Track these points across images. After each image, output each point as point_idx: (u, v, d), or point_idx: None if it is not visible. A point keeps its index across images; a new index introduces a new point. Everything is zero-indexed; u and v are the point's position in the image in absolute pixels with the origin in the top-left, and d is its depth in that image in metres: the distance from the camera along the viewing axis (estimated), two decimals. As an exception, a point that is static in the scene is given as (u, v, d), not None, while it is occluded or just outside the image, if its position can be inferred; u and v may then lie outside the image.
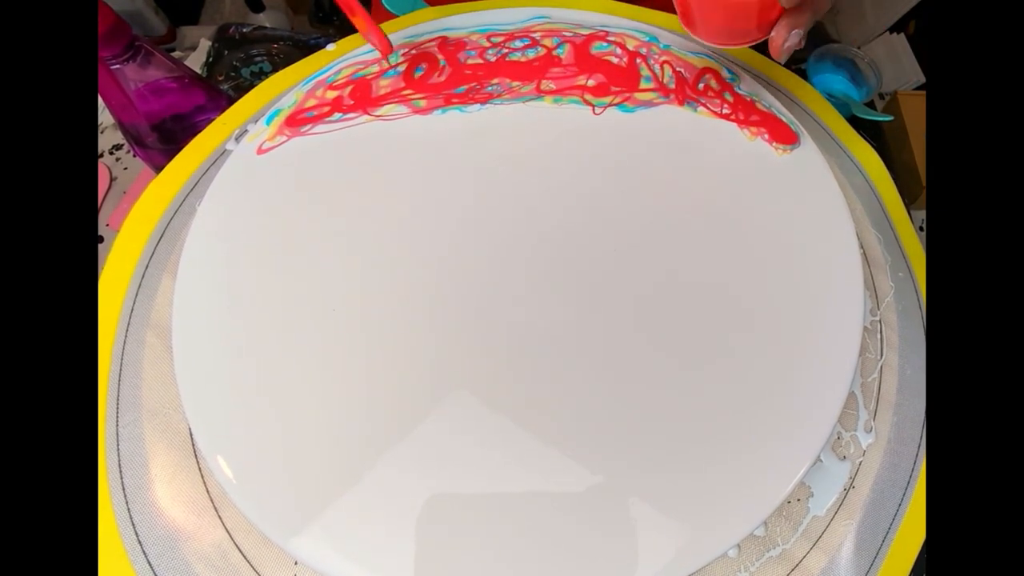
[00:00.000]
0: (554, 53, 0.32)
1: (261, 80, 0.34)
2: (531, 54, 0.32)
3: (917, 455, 0.28)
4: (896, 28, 0.57)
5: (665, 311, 0.26)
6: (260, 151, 0.29)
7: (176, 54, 0.53)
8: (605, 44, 0.33)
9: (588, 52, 0.32)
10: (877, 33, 0.58)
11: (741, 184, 0.29)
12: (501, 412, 0.24)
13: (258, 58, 0.51)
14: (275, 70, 0.37)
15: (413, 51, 0.32)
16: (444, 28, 0.33)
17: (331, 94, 0.31)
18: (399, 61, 0.32)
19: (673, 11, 0.27)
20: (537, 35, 0.33)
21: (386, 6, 0.37)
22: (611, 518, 0.22)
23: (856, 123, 0.38)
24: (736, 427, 0.24)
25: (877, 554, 0.26)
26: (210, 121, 0.32)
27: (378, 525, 0.22)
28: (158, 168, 0.32)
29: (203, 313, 0.25)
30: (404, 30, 0.34)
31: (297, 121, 0.30)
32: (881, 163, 0.35)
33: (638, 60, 0.32)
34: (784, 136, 0.30)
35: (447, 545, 0.22)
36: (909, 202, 0.44)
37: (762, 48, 0.26)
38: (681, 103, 0.31)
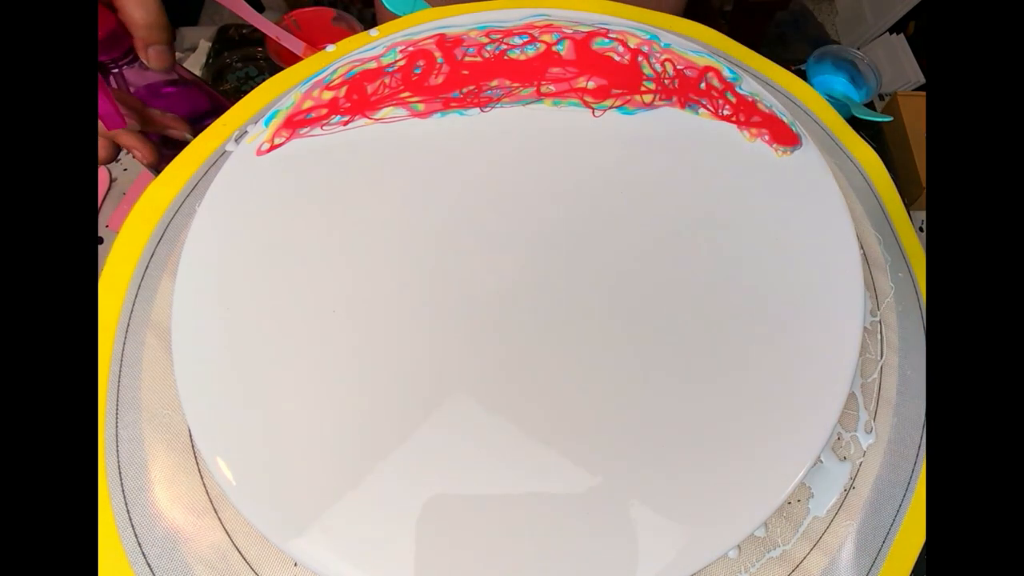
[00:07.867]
0: (554, 49, 0.32)
1: (261, 81, 0.34)
2: (530, 51, 0.32)
3: (917, 456, 0.28)
4: (896, 29, 0.57)
5: (665, 312, 0.26)
6: (259, 152, 0.29)
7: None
8: (607, 40, 0.33)
9: (589, 48, 0.32)
10: (877, 34, 0.58)
11: (741, 185, 0.29)
12: (500, 414, 0.24)
13: (258, 59, 0.51)
14: (275, 71, 0.37)
15: (411, 48, 0.32)
16: (443, 27, 0.33)
17: (327, 95, 0.31)
18: (396, 58, 0.32)
19: (673, 11, 0.27)
20: (536, 31, 0.33)
21: (387, 7, 0.37)
22: (611, 520, 0.22)
23: (856, 124, 0.38)
24: (736, 428, 0.24)
25: (877, 555, 0.26)
26: (210, 123, 0.32)
27: (378, 526, 0.22)
28: (157, 170, 0.32)
29: (203, 314, 0.25)
30: (404, 30, 0.34)
31: (295, 123, 0.30)
32: (881, 163, 0.35)
33: (640, 57, 0.32)
34: (785, 137, 0.30)
35: (446, 546, 0.22)
36: (909, 202, 0.44)
37: (761, 48, 0.26)
38: (683, 106, 0.31)
